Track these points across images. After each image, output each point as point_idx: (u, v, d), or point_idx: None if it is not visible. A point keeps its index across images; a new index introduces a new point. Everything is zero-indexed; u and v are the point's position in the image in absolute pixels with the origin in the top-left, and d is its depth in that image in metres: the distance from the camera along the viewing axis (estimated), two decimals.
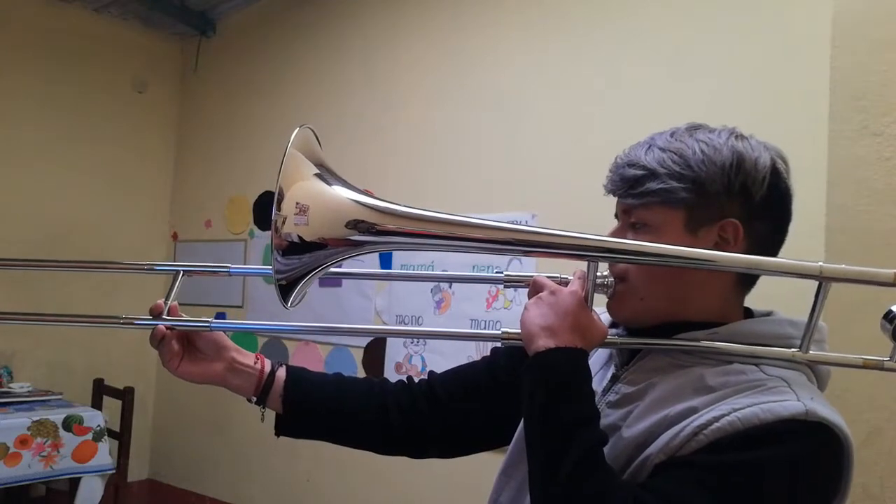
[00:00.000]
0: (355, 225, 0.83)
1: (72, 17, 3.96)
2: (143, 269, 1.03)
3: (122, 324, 0.94)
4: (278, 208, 0.81)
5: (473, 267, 2.82)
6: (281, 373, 1.02)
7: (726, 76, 2.37)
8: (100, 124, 4.06)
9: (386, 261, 3.12)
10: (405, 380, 1.10)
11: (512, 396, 0.94)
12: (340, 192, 0.85)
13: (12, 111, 3.76)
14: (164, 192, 4.39)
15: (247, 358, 1.01)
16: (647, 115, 2.44)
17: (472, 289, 2.91)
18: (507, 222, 0.85)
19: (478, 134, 3.02)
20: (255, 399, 1.01)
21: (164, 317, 0.94)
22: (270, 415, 1.03)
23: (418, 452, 1.09)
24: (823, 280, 0.77)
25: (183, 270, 1.00)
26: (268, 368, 1.02)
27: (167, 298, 0.95)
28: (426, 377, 1.10)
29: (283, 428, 1.03)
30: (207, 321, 0.96)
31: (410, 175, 3.23)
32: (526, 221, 2.78)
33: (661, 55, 2.53)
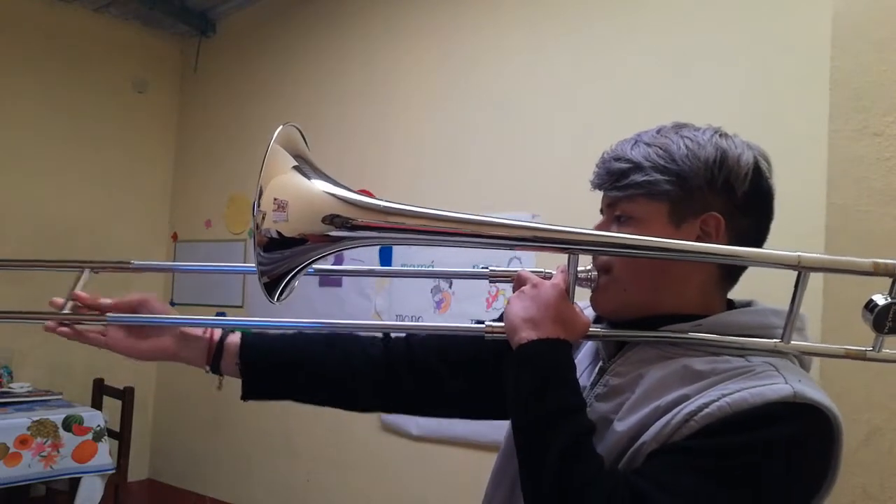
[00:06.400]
0: (331, 220, 0.83)
1: (72, 17, 3.96)
2: (53, 267, 1.08)
3: (24, 318, 1.02)
4: (258, 204, 0.80)
5: (474, 266, 2.81)
6: (234, 338, 1.02)
7: (727, 76, 2.37)
8: (100, 124, 4.06)
9: (386, 259, 3.12)
10: (381, 335, 1.09)
11: (490, 367, 0.98)
12: (318, 185, 0.84)
13: (12, 111, 3.77)
14: (164, 192, 4.39)
15: (195, 329, 1.01)
16: (647, 114, 2.43)
17: (472, 289, 2.90)
18: None
19: (478, 134, 3.02)
20: (208, 368, 1.01)
21: (63, 312, 0.99)
22: (232, 386, 1.03)
23: (389, 406, 1.09)
24: (802, 269, 0.78)
25: (90, 268, 1.03)
26: (218, 336, 1.01)
27: (70, 293, 1.00)
28: (404, 335, 1.09)
29: (247, 392, 1.03)
30: (102, 317, 0.98)
31: (410, 175, 3.23)
32: None
33: (662, 55, 2.53)
